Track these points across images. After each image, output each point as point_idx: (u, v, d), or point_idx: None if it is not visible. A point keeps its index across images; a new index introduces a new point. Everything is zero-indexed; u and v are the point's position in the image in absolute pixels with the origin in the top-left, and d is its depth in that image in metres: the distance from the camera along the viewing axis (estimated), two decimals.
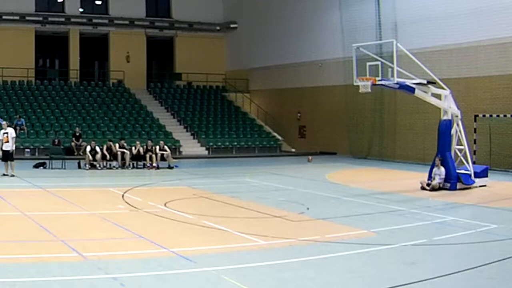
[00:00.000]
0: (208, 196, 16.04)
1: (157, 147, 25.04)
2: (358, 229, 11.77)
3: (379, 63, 17.83)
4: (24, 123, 28.99)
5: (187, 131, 34.55)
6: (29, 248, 9.50)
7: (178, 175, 22.18)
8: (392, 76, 17.33)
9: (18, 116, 29.15)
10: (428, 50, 25.15)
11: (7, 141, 19.85)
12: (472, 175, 18.34)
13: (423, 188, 17.82)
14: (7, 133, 20.05)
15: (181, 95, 38.69)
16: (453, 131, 18.37)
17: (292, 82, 35.68)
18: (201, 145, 32.93)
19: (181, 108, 36.65)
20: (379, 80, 17.48)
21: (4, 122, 21.58)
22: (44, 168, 23.11)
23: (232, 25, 40.65)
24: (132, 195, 15.82)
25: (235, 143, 33.61)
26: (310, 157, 28.83)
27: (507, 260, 9.33)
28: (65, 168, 23.05)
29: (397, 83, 17.34)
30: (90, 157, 23.64)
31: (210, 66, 39.65)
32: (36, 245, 9.80)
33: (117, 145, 24.55)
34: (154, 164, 24.37)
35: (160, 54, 41.63)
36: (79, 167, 23.72)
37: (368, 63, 18.03)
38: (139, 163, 24.73)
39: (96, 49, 39.87)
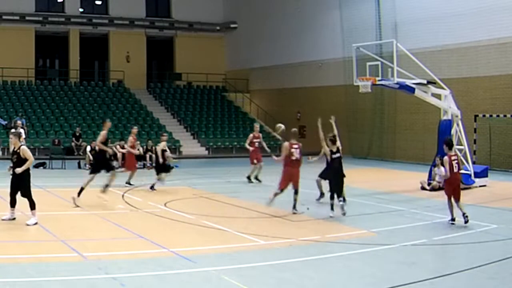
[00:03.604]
0: (208, 196, 16.04)
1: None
2: (358, 229, 11.78)
3: (379, 63, 17.85)
4: (24, 123, 28.99)
5: (187, 131, 34.55)
6: (29, 248, 9.51)
7: (178, 175, 22.16)
8: (392, 76, 17.35)
9: (20, 115, 29.15)
10: (428, 50, 25.16)
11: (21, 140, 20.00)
12: (472, 175, 18.34)
13: (423, 188, 17.82)
14: (20, 133, 20.10)
15: (181, 95, 38.69)
16: (453, 131, 18.35)
17: (292, 82, 35.67)
18: (201, 145, 32.94)
19: (181, 108, 36.65)
20: (379, 80, 17.49)
21: (19, 121, 21.72)
22: (44, 168, 23.12)
23: (232, 25, 40.66)
24: (132, 195, 15.83)
25: (235, 143, 33.59)
26: (310, 157, 28.77)
27: (507, 260, 9.34)
28: (65, 168, 23.07)
29: (397, 83, 17.36)
30: (90, 157, 23.63)
31: (210, 66, 39.65)
32: (36, 245, 9.81)
33: (118, 146, 24.54)
34: (154, 164, 24.35)
35: (160, 54, 41.63)
36: (79, 167, 23.73)
37: (368, 63, 18.05)
38: (139, 163, 24.71)
39: (96, 49, 39.87)
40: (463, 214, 12.20)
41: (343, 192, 13.54)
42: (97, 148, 15.21)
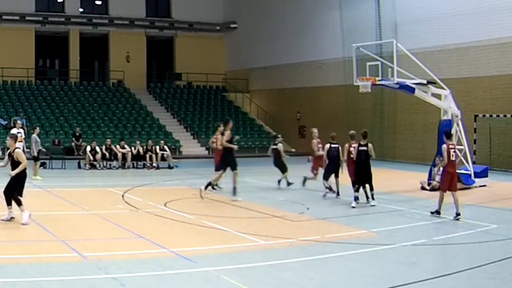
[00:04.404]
0: (208, 196, 16.03)
1: (157, 147, 25.04)
2: (358, 229, 11.78)
3: (379, 63, 17.84)
4: (24, 123, 28.95)
5: (187, 131, 34.55)
6: (29, 248, 9.51)
7: (178, 175, 22.17)
8: (392, 76, 17.34)
9: (22, 115, 29.11)
10: (428, 50, 25.15)
11: (20, 141, 19.76)
12: (472, 175, 18.34)
13: (423, 188, 17.82)
14: (20, 132, 19.92)
15: (181, 95, 38.69)
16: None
17: (292, 82, 35.66)
18: (201, 145, 32.92)
19: (181, 108, 36.64)
20: (379, 80, 17.49)
21: (19, 121, 21.61)
22: (44, 168, 23.10)
23: (232, 25, 40.64)
24: (132, 195, 15.82)
25: (235, 143, 33.53)
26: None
27: (507, 260, 9.34)
28: (65, 168, 23.06)
29: (397, 83, 17.35)
30: (90, 157, 23.66)
31: (210, 66, 39.63)
32: (36, 245, 9.80)
33: (118, 146, 24.56)
34: (154, 164, 24.39)
35: (160, 54, 41.62)
36: (79, 167, 23.74)
37: (368, 63, 18.05)
38: (139, 163, 24.74)
39: (96, 49, 39.86)
40: (457, 213, 12.63)
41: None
42: (218, 146, 16.52)
